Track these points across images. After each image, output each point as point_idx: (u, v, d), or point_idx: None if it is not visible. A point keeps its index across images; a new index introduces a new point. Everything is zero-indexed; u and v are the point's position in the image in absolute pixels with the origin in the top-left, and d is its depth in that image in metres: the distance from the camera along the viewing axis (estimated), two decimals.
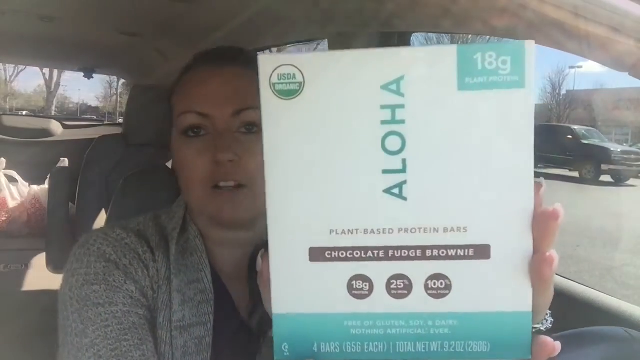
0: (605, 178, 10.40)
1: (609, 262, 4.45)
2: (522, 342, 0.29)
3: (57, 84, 24.40)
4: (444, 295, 0.29)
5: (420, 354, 0.29)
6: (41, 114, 16.21)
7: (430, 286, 0.29)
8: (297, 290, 0.30)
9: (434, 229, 0.29)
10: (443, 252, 0.29)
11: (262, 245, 0.30)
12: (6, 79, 26.91)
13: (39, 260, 1.87)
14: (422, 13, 0.93)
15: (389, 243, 0.29)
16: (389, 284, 0.29)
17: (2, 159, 2.10)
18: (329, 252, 0.29)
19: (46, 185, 1.98)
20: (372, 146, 0.28)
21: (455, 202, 0.28)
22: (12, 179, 2.11)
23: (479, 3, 0.76)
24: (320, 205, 0.29)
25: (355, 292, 0.29)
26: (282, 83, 0.28)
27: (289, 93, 0.28)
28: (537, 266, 0.28)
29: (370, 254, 0.29)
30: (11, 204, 2.05)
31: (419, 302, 0.29)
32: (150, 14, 1.43)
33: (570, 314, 0.82)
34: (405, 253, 0.29)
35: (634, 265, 4.40)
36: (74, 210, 1.87)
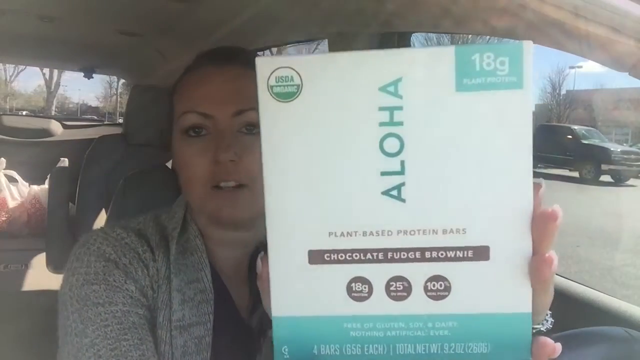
0: (605, 178, 10.38)
1: (609, 262, 4.44)
2: (522, 343, 0.29)
3: (57, 84, 24.44)
4: (444, 297, 0.29)
5: (420, 355, 0.29)
6: (41, 114, 16.17)
7: (429, 288, 0.29)
8: (297, 292, 0.29)
9: (433, 230, 0.29)
10: (442, 254, 0.29)
11: (263, 246, 0.30)
12: (6, 79, 26.89)
13: (39, 260, 1.87)
14: (422, 13, 0.93)
15: (388, 245, 0.29)
16: (388, 286, 0.29)
17: (2, 159, 2.10)
18: (328, 255, 0.29)
19: (46, 185, 1.99)
20: (370, 148, 0.28)
21: (454, 203, 0.28)
22: (12, 179, 2.11)
23: (479, 3, 0.75)
24: (319, 207, 0.29)
25: (355, 295, 0.29)
26: (280, 85, 0.28)
27: (286, 95, 0.28)
28: (536, 267, 0.28)
29: (369, 256, 0.29)
30: (11, 204, 2.05)
31: (418, 304, 0.29)
32: (150, 14, 1.42)
33: (570, 314, 0.82)
34: (404, 255, 0.29)
35: (634, 265, 4.39)
36: (74, 210, 1.87)
